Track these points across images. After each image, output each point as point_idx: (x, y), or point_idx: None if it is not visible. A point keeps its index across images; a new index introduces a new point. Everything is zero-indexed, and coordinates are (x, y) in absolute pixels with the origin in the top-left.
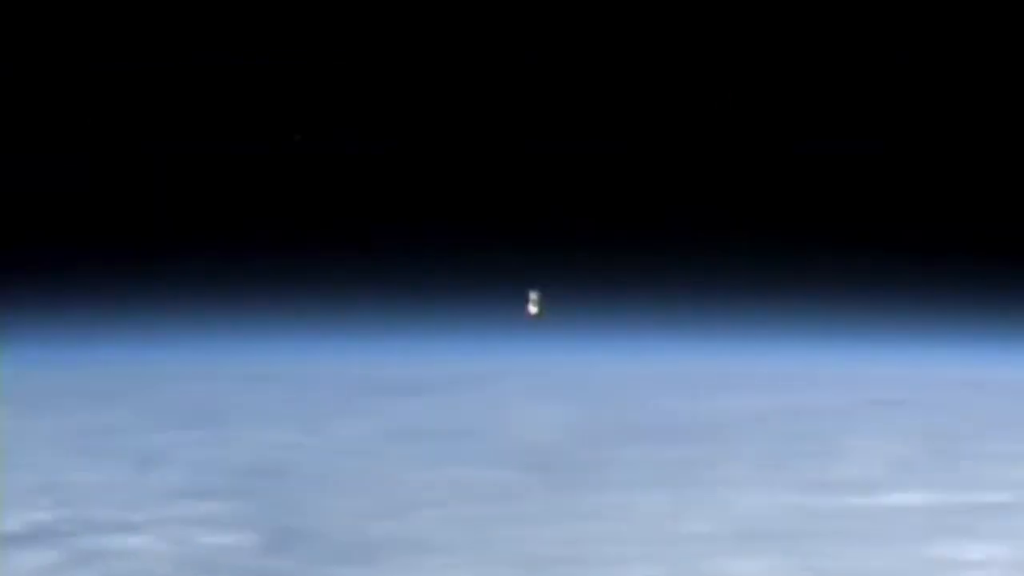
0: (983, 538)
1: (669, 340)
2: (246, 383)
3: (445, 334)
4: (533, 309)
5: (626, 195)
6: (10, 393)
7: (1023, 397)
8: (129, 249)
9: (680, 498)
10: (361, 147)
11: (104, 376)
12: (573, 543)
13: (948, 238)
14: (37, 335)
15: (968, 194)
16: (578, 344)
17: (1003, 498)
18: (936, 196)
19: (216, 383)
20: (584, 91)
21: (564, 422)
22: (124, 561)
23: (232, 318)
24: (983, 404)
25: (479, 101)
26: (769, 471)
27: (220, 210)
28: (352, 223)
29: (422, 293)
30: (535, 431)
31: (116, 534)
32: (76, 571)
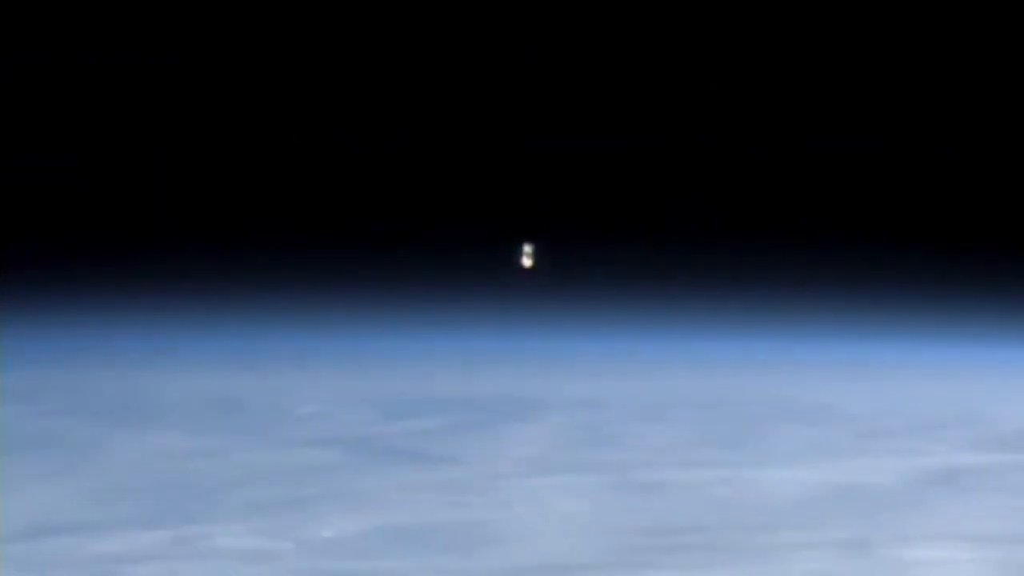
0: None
1: (668, 338)
2: (246, 380)
3: (442, 332)
4: (528, 261)
5: (626, 193)
6: (11, 390)
7: (1018, 394)
8: (129, 248)
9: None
10: (361, 146)
11: (104, 374)
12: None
13: (948, 238)
14: (37, 334)
15: (968, 193)
16: (577, 342)
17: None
18: (935, 195)
19: (216, 380)
20: (585, 87)
21: (562, 416)
22: (134, 566)
23: (232, 316)
24: (978, 399)
25: (478, 99)
26: (757, 450)
27: (220, 210)
28: (351, 222)
29: (421, 291)
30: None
31: (122, 526)
32: (79, 571)
